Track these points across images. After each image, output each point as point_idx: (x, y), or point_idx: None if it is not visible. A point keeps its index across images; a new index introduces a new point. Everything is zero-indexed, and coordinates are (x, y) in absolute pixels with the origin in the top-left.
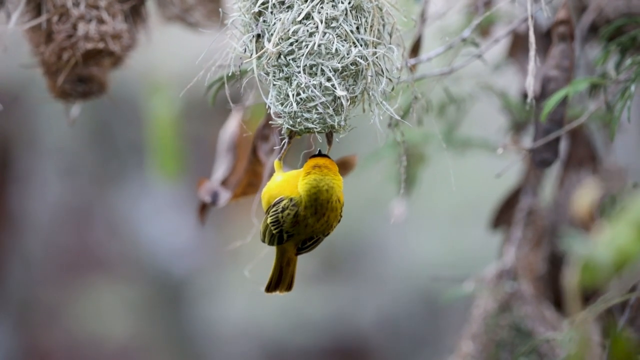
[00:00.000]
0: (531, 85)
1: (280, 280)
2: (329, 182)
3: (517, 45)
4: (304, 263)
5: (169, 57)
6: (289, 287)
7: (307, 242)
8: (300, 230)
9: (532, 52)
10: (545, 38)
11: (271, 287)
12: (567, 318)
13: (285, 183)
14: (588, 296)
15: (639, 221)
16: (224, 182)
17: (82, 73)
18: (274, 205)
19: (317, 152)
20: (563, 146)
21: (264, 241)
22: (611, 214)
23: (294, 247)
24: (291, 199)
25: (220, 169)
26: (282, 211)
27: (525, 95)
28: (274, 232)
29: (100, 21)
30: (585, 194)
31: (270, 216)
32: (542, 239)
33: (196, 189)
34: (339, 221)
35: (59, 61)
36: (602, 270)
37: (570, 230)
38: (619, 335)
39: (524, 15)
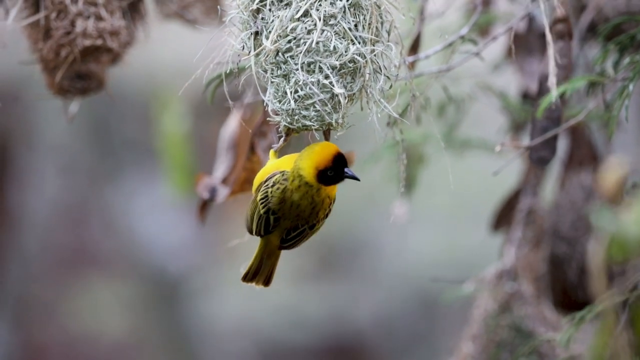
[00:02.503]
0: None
1: (259, 271)
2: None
3: (516, 45)
4: (300, 261)
5: (167, 55)
6: (266, 282)
7: (292, 233)
8: (285, 211)
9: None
10: (544, 36)
11: (248, 276)
12: (569, 310)
13: (280, 162)
14: (612, 274)
15: None
16: (225, 180)
17: (80, 70)
18: (265, 181)
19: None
20: (563, 146)
21: (250, 229)
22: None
23: (278, 238)
24: (283, 172)
25: (221, 168)
26: (273, 185)
27: (524, 95)
28: (261, 212)
29: (99, 18)
30: (613, 170)
31: (261, 192)
32: (542, 239)
33: (194, 184)
34: (326, 216)
35: (57, 58)
36: (631, 246)
37: (598, 205)
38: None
39: (523, 14)
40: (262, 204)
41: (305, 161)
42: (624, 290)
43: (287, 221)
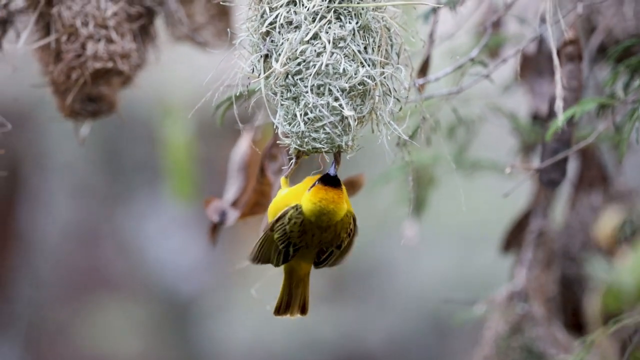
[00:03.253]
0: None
1: (290, 302)
2: (334, 207)
3: (526, 67)
4: (312, 283)
5: (177, 77)
6: (302, 310)
7: (322, 256)
8: (308, 241)
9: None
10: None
11: (281, 309)
12: (579, 338)
13: (291, 195)
14: (611, 325)
15: None
16: (235, 203)
17: (91, 92)
18: (278, 219)
19: (331, 175)
20: (574, 168)
21: (255, 261)
22: (634, 239)
23: (303, 267)
24: (297, 207)
25: (232, 190)
26: (289, 221)
27: (534, 117)
28: (280, 248)
29: (109, 40)
30: (608, 219)
31: (277, 231)
32: (553, 260)
33: (204, 209)
34: (351, 234)
35: (68, 80)
36: (626, 296)
37: (592, 255)
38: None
39: (533, 36)
40: (280, 241)
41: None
42: (621, 337)
43: (311, 249)
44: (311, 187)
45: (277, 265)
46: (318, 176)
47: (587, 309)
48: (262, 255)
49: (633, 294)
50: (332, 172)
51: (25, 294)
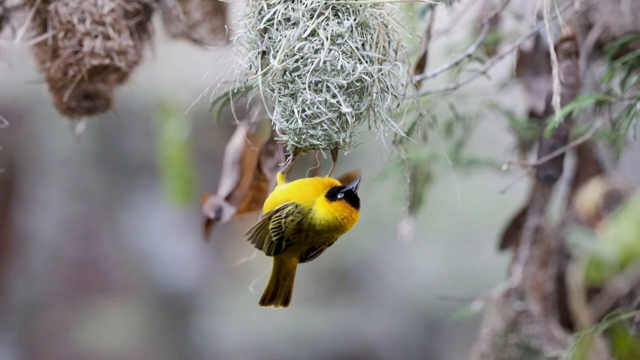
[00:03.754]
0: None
1: (276, 293)
2: (347, 229)
3: (523, 64)
4: (307, 281)
5: (174, 74)
6: (285, 302)
7: (310, 253)
8: (301, 240)
9: (555, 68)
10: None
11: (266, 300)
12: (574, 332)
13: (294, 189)
14: (593, 293)
15: None
16: (229, 197)
17: (87, 89)
18: (277, 211)
19: (352, 188)
20: (571, 164)
21: (253, 242)
22: (615, 210)
23: (292, 260)
24: (297, 205)
25: (226, 184)
26: (286, 217)
27: (531, 114)
28: (273, 239)
29: (106, 37)
30: (590, 191)
31: (273, 221)
32: (549, 257)
33: (200, 205)
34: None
35: (65, 77)
36: (607, 266)
37: (575, 227)
38: (625, 336)
39: (529, 33)
40: (274, 232)
41: (320, 209)
42: (602, 312)
43: (303, 245)
44: (329, 194)
45: (268, 254)
46: (334, 181)
47: (569, 280)
48: (258, 239)
49: (614, 264)
50: (354, 188)
51: (22, 293)
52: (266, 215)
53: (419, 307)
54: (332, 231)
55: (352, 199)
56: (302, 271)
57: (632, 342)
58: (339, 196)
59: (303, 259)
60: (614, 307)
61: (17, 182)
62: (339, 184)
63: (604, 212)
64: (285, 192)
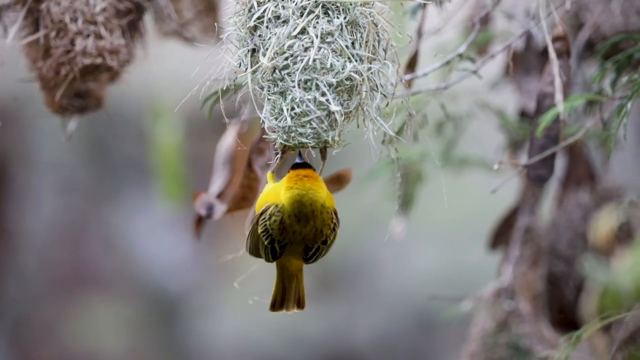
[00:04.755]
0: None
1: (285, 298)
2: (312, 196)
3: (514, 63)
4: None
5: (166, 73)
6: (299, 305)
7: (309, 253)
8: (290, 238)
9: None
10: (542, 55)
11: (276, 305)
12: (567, 329)
13: (272, 191)
14: (608, 324)
15: None
16: (220, 195)
17: (79, 88)
18: (261, 214)
19: (299, 162)
20: (561, 165)
21: (253, 254)
22: (631, 239)
23: (294, 262)
24: (277, 205)
25: (217, 183)
26: (269, 218)
27: (522, 113)
28: (265, 243)
29: (98, 36)
30: (605, 220)
31: (260, 225)
32: (540, 257)
33: (192, 203)
34: (334, 229)
35: (57, 76)
36: (624, 297)
37: (586, 255)
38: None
39: (521, 32)
40: (264, 236)
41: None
42: (620, 342)
43: (296, 245)
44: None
45: (267, 261)
46: (293, 173)
47: (582, 310)
48: (254, 248)
49: (631, 294)
50: (298, 160)
51: (12, 291)
52: (253, 221)
53: (411, 306)
54: (302, 203)
55: (296, 167)
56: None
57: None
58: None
59: (306, 260)
60: (630, 337)
61: (8, 181)
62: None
63: (618, 240)
64: (267, 193)
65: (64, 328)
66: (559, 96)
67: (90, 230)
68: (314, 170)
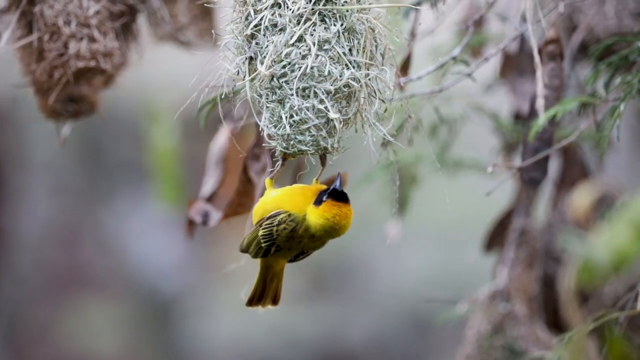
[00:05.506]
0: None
1: (263, 295)
2: (340, 230)
3: (508, 66)
4: (293, 281)
5: (160, 77)
6: (274, 302)
7: (299, 256)
8: (292, 246)
9: (539, 71)
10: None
11: (254, 301)
12: (562, 331)
13: (285, 197)
14: (585, 297)
15: (637, 221)
16: (213, 197)
17: (73, 92)
18: (268, 218)
19: (336, 187)
20: (556, 167)
21: (244, 251)
22: (609, 214)
23: (280, 262)
24: (290, 214)
25: (209, 183)
26: (278, 225)
27: (516, 116)
28: (262, 244)
29: (92, 39)
30: (583, 195)
31: (263, 228)
32: (535, 259)
33: (187, 210)
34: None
35: (50, 80)
36: (600, 271)
37: (567, 230)
38: (616, 338)
39: (514, 35)
40: (264, 239)
41: (313, 217)
42: (596, 316)
43: (293, 251)
44: (316, 201)
45: (254, 257)
46: (321, 187)
47: (561, 284)
48: (247, 244)
49: (607, 269)
50: (338, 186)
51: (6, 292)
52: (258, 224)
53: (405, 307)
54: (331, 233)
55: (338, 196)
56: (290, 272)
57: (624, 345)
58: (324, 199)
59: (291, 260)
60: (607, 311)
61: (3, 183)
62: (324, 187)
63: (595, 215)
64: (276, 200)
65: (59, 329)
66: (540, 101)
67: (84, 232)
68: (348, 198)
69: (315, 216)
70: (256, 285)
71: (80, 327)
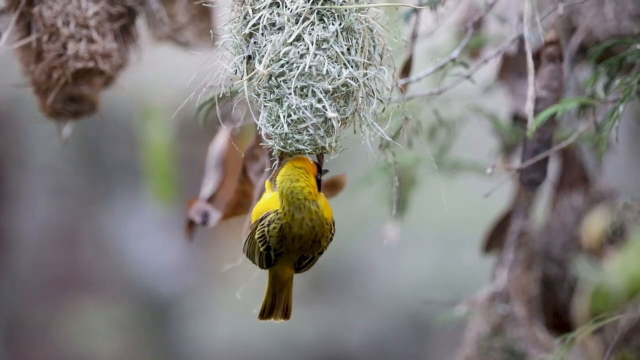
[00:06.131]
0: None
1: (274, 306)
2: (296, 173)
3: (507, 67)
4: (293, 286)
5: (159, 77)
6: (285, 315)
7: (302, 262)
8: (288, 246)
9: (531, 76)
10: (535, 59)
11: (265, 313)
12: (562, 331)
13: (273, 198)
14: (601, 326)
15: None
16: (213, 198)
17: (72, 92)
18: (260, 220)
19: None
20: (554, 168)
21: (248, 256)
22: (621, 240)
23: (286, 271)
24: (277, 212)
25: (209, 185)
26: (268, 225)
27: (515, 117)
28: (261, 249)
29: (90, 40)
30: (596, 221)
31: (258, 231)
32: (534, 261)
33: (186, 209)
34: (331, 238)
35: (49, 80)
36: (614, 297)
37: (577, 256)
38: (621, 343)
39: (513, 36)
40: (260, 242)
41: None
42: (614, 344)
43: (292, 254)
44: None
45: (261, 267)
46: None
47: (574, 311)
48: (249, 252)
49: (621, 295)
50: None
51: (5, 293)
52: (253, 226)
53: (404, 309)
54: (292, 195)
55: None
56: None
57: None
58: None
59: (297, 269)
60: (624, 339)
61: (2, 185)
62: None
63: (609, 241)
64: (268, 202)
65: (57, 330)
66: (529, 105)
67: (82, 233)
68: (307, 160)
69: (277, 188)
70: (266, 297)
71: (78, 328)
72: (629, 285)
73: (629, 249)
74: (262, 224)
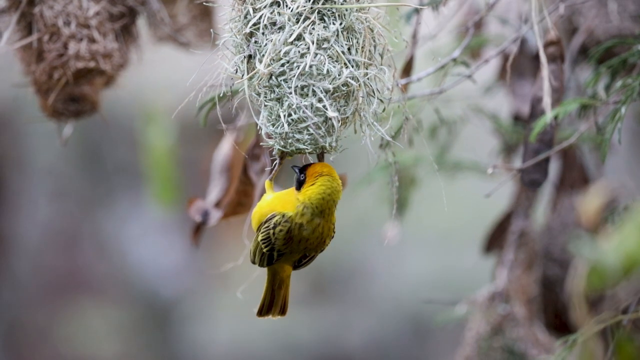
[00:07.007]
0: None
1: (273, 303)
2: (336, 186)
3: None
4: (292, 285)
5: (160, 78)
6: (282, 311)
7: (303, 260)
8: (293, 248)
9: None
10: (535, 60)
11: (263, 310)
12: (562, 332)
13: (277, 200)
14: (594, 301)
15: None
16: (218, 204)
17: (73, 92)
18: (265, 222)
19: (297, 167)
20: (555, 169)
21: (254, 262)
22: (618, 218)
23: (286, 268)
24: (283, 215)
25: (215, 191)
26: (274, 227)
27: (515, 117)
28: (264, 250)
29: (91, 40)
30: (592, 198)
31: (262, 233)
32: (534, 261)
33: (186, 209)
34: (331, 238)
35: (50, 80)
36: (610, 275)
37: (577, 233)
38: (625, 340)
39: (514, 37)
40: (264, 244)
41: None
42: (605, 318)
43: (295, 254)
44: (297, 186)
45: (260, 265)
46: (313, 170)
47: (570, 288)
48: (252, 250)
49: (617, 273)
50: (298, 167)
51: (5, 296)
52: (257, 229)
53: (404, 310)
54: (333, 196)
55: (307, 167)
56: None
57: (632, 348)
58: (301, 178)
59: (296, 266)
60: (616, 315)
61: (2, 187)
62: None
63: (603, 218)
64: (271, 204)
65: (58, 333)
66: (547, 99)
67: (83, 236)
68: (330, 166)
69: (309, 193)
70: (265, 294)
71: (79, 331)
72: (625, 263)
73: (626, 226)
74: (267, 227)
